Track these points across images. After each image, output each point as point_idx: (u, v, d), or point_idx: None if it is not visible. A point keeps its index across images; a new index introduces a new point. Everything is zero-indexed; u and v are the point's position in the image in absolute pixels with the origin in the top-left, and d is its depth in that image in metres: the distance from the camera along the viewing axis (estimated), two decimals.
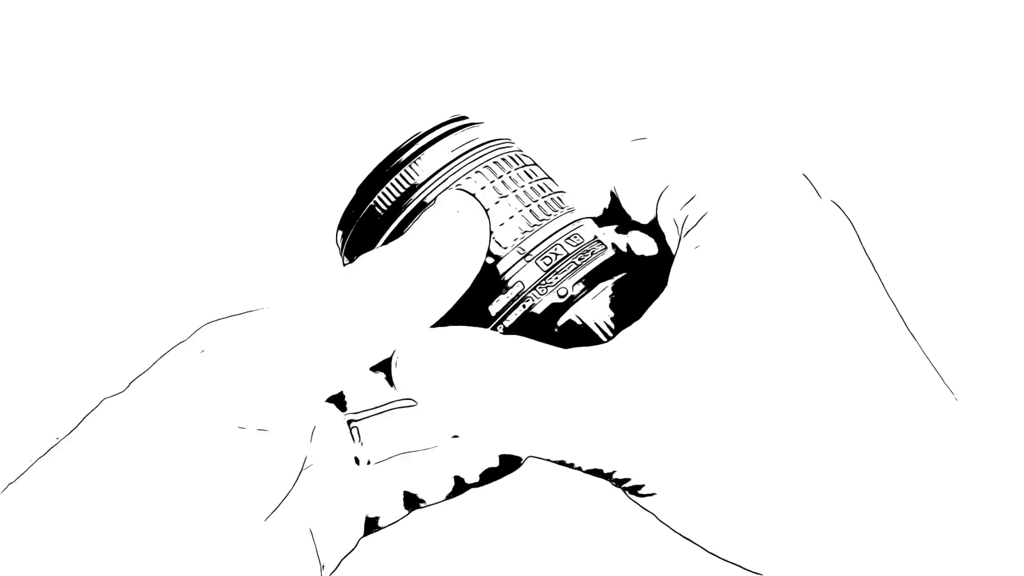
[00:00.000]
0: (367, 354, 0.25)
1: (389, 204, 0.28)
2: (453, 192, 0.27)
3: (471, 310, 0.27)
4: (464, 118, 0.30)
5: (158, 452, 0.23)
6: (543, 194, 0.28)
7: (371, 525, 0.29)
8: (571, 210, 0.29)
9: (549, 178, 0.29)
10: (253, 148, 0.54)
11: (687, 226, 0.26)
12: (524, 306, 0.27)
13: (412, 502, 0.29)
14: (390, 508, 0.29)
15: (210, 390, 0.24)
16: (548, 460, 0.25)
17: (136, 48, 0.55)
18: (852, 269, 0.25)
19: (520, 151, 0.30)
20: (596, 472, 0.24)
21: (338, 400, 0.29)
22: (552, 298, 0.27)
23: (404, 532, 0.44)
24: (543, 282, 0.27)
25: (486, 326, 0.27)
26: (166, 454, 0.23)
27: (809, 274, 0.24)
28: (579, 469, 0.24)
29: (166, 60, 0.55)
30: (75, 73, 0.55)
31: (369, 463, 0.29)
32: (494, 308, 0.27)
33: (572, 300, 0.27)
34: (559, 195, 0.29)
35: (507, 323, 0.27)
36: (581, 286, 0.27)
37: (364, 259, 0.26)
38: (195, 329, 0.26)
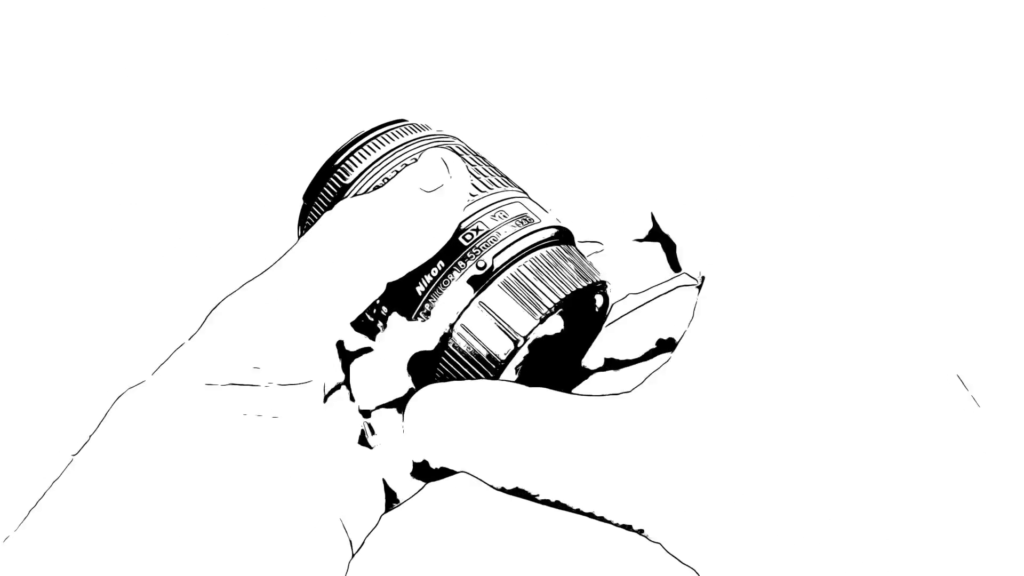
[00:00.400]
0: (359, 296, 0.26)
1: (327, 202, 0.29)
2: (437, 149, 0.28)
3: (400, 289, 0.27)
4: (403, 120, 0.30)
5: (187, 439, 0.24)
6: (479, 177, 0.29)
7: (391, 501, 0.29)
8: (507, 189, 0.29)
9: (493, 168, 0.30)
10: (215, 146, 0.54)
11: (704, 278, 0.25)
12: (447, 282, 0.27)
13: (425, 474, 0.29)
14: (406, 483, 0.29)
15: (228, 368, 0.24)
16: (576, 512, 0.24)
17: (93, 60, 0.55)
18: (877, 302, 0.24)
19: (462, 144, 0.30)
20: (626, 527, 0.24)
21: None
22: (472, 271, 0.27)
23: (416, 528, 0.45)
24: (464, 256, 0.27)
25: (413, 307, 0.27)
26: (194, 441, 0.24)
27: (833, 317, 0.23)
28: (608, 521, 0.24)
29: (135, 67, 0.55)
30: (56, 75, 0.54)
31: (380, 443, 0.29)
32: (420, 287, 0.27)
33: (491, 272, 0.27)
34: (498, 178, 0.29)
35: (432, 303, 0.27)
36: (502, 258, 0.27)
37: (343, 204, 0.27)
38: (207, 313, 0.26)
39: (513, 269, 0.27)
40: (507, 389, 0.25)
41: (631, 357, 0.29)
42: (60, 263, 0.51)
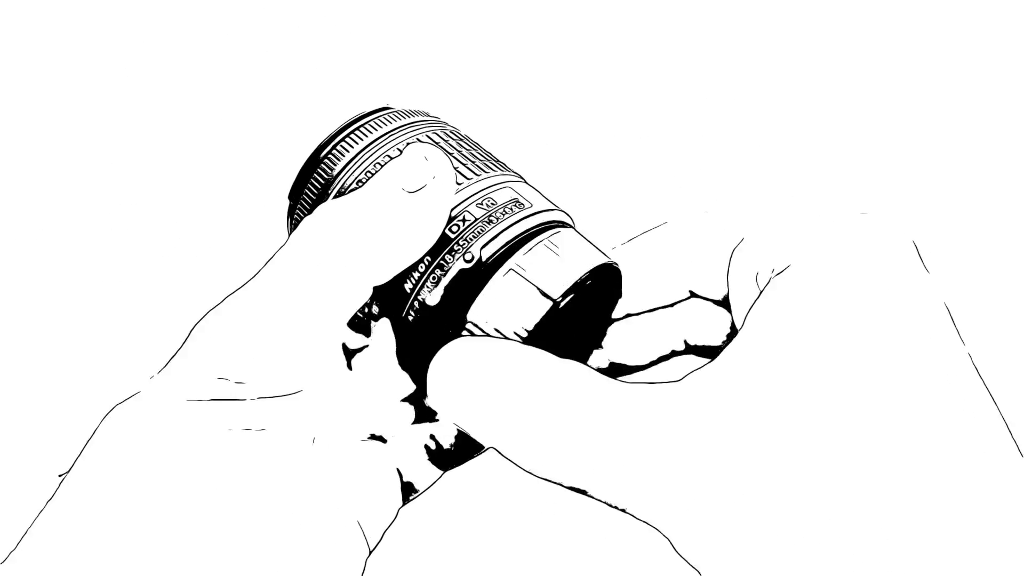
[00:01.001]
0: (345, 302, 0.25)
1: (314, 197, 0.28)
2: (417, 144, 0.27)
3: (388, 286, 0.27)
4: (388, 108, 0.29)
5: (186, 452, 0.23)
6: (466, 163, 0.28)
7: (408, 493, 0.29)
8: (497, 174, 0.28)
9: (483, 152, 0.29)
10: (201, 144, 0.53)
11: (771, 276, 0.24)
12: (435, 275, 0.26)
13: (442, 461, 0.29)
14: (423, 473, 0.29)
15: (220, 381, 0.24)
16: (601, 501, 0.23)
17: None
18: (939, 343, 0.22)
19: (450, 129, 0.29)
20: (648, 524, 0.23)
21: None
22: (460, 263, 0.26)
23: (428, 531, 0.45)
24: (452, 248, 0.26)
25: (403, 304, 0.27)
26: (194, 453, 0.23)
27: (895, 339, 0.22)
28: (633, 516, 0.23)
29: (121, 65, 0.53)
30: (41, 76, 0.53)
31: (392, 437, 0.29)
32: (408, 284, 0.26)
33: (480, 264, 0.26)
34: (487, 162, 0.28)
35: (422, 297, 0.26)
36: (490, 250, 0.26)
37: (324, 207, 0.26)
38: (192, 326, 0.26)
39: (517, 258, 0.26)
40: (539, 357, 0.24)
41: (639, 364, 0.29)
42: (44, 256, 0.50)
